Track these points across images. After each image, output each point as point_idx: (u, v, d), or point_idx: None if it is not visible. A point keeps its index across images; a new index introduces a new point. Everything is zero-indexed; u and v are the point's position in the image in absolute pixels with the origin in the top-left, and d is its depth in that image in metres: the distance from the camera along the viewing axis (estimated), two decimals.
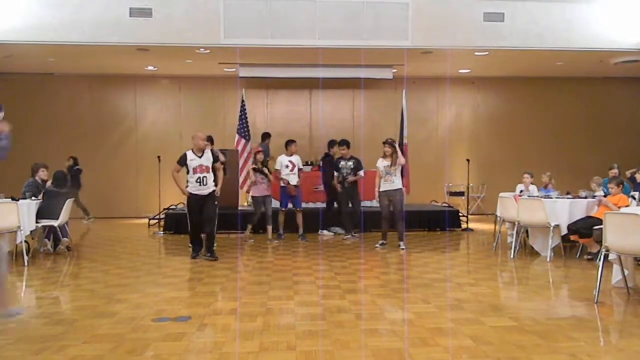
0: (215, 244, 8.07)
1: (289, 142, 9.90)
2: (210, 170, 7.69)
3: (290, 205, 9.78)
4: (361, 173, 9.72)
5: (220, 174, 7.91)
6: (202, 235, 7.89)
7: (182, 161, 7.66)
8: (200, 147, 7.67)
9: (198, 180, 7.60)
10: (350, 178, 9.62)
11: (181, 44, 10.10)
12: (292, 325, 4.54)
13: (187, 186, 7.76)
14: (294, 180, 9.65)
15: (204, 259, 7.71)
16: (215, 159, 7.79)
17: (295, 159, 9.73)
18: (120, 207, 13.51)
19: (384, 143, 8.76)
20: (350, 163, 9.70)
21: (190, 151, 7.70)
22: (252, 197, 9.60)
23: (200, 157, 7.64)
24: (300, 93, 13.97)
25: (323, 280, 6.38)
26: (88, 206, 12.56)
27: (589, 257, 7.56)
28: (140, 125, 13.88)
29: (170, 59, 11.67)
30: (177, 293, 5.90)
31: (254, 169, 9.49)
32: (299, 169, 9.74)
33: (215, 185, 7.78)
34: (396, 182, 8.57)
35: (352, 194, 9.76)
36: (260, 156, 9.54)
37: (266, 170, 9.50)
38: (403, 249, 8.50)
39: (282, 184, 9.65)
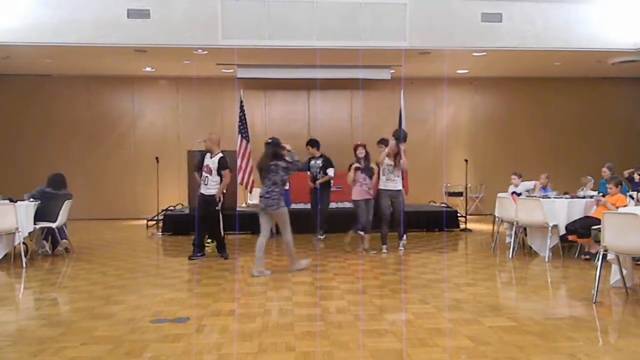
0: (209, 244, 8.59)
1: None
2: (214, 172, 7.85)
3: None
4: (330, 172, 9.54)
5: (226, 180, 7.95)
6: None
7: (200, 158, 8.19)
8: (207, 148, 7.98)
9: (202, 179, 7.96)
10: (320, 179, 9.52)
11: (179, 45, 10.09)
12: (291, 326, 4.54)
13: None
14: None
15: (220, 257, 7.94)
16: (222, 166, 7.88)
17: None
18: (119, 209, 13.49)
19: (379, 143, 8.72)
20: (319, 162, 9.61)
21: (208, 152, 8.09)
22: (353, 200, 8.48)
23: (210, 158, 7.95)
24: (298, 94, 13.97)
25: (322, 281, 6.38)
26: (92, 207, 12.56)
27: (587, 257, 7.57)
28: (138, 127, 13.86)
29: (168, 60, 11.66)
30: (175, 294, 5.89)
31: (357, 168, 8.38)
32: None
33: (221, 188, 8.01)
34: (398, 183, 8.43)
35: (321, 193, 9.65)
36: (360, 152, 8.40)
37: (374, 169, 8.42)
38: (401, 249, 8.47)
39: None
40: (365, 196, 8.37)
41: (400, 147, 8.37)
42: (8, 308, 5.45)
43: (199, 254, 7.99)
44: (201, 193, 7.92)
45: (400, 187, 8.46)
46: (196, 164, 8.26)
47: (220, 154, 7.95)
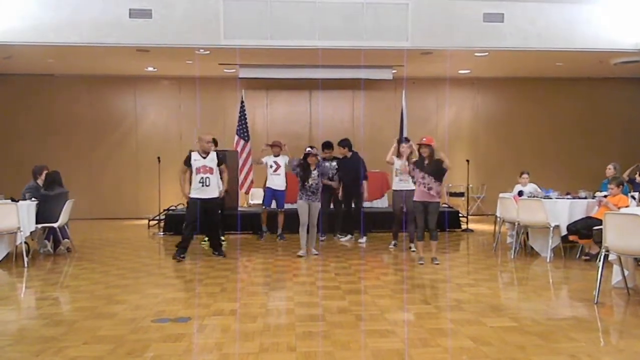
0: (224, 242, 8.62)
1: (273, 145, 9.88)
2: (214, 171, 7.74)
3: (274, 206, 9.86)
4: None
5: (225, 175, 8.00)
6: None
7: (187, 162, 7.79)
8: (205, 149, 7.77)
9: (201, 181, 7.65)
10: (326, 181, 9.53)
11: (181, 44, 10.08)
12: (292, 326, 4.54)
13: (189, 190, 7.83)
14: (278, 181, 9.70)
15: (214, 255, 7.96)
16: (220, 161, 7.87)
17: (281, 159, 9.76)
18: (121, 208, 13.50)
19: (405, 140, 8.64)
20: (334, 163, 9.64)
21: (196, 152, 7.82)
22: (413, 201, 7.68)
23: (204, 158, 7.73)
24: (300, 94, 13.97)
25: (323, 281, 6.38)
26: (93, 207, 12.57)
27: (587, 257, 7.56)
28: (140, 126, 13.87)
29: (170, 60, 11.67)
30: (177, 294, 5.91)
31: (414, 163, 7.61)
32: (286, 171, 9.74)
33: (221, 187, 7.93)
34: (411, 183, 8.19)
35: (336, 195, 9.72)
36: (425, 151, 7.42)
37: (445, 162, 7.35)
38: (413, 250, 8.27)
39: (267, 185, 9.81)
40: (424, 198, 7.39)
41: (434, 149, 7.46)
42: (10, 307, 5.46)
43: (183, 256, 7.75)
44: (202, 199, 7.62)
45: (413, 187, 8.13)
46: (185, 165, 7.84)
47: (213, 152, 7.85)
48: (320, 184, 8.08)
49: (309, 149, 8.18)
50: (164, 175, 12.07)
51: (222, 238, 9.20)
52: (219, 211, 8.40)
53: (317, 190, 7.98)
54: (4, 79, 12.99)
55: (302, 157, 8.08)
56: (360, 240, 9.49)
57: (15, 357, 3.91)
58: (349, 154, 9.67)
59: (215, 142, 9.28)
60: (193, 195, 7.69)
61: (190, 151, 8.14)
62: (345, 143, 9.75)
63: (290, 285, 6.19)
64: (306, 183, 7.93)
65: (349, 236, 9.82)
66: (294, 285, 6.19)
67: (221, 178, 7.93)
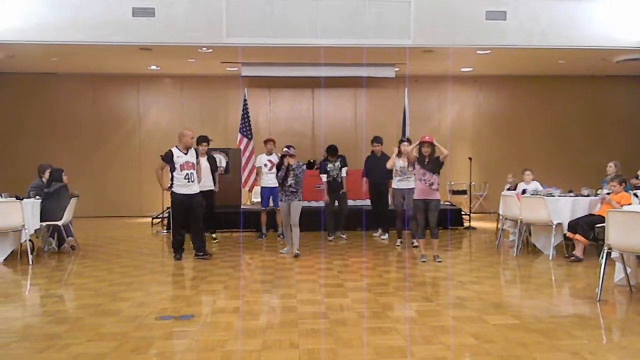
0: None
1: (266, 141, 9.88)
2: (195, 167, 7.65)
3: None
4: (343, 172, 9.67)
5: (199, 168, 7.85)
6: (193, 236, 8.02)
7: (168, 158, 7.57)
8: (188, 144, 7.64)
9: (186, 177, 7.51)
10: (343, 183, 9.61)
11: (184, 43, 10.11)
12: (295, 324, 4.56)
13: (171, 185, 7.65)
14: (274, 179, 9.66)
15: (198, 259, 7.66)
16: (198, 156, 7.82)
17: (274, 157, 9.67)
18: (124, 206, 13.55)
19: (405, 141, 8.68)
20: (338, 163, 9.63)
21: (176, 148, 7.61)
22: (414, 200, 7.61)
23: (185, 154, 7.58)
24: (302, 92, 13.98)
25: (326, 279, 6.40)
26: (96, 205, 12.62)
27: (572, 257, 7.50)
28: (143, 125, 13.91)
29: (173, 59, 11.69)
30: (180, 291, 5.93)
31: (418, 159, 7.46)
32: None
33: (198, 181, 7.80)
34: (412, 182, 8.27)
35: (342, 194, 9.76)
36: (426, 150, 7.38)
37: (443, 153, 7.34)
38: (416, 246, 8.35)
39: (262, 185, 9.76)
40: (425, 195, 7.37)
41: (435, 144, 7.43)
42: (15, 305, 5.49)
43: (182, 255, 7.74)
44: (187, 194, 7.51)
45: (413, 186, 8.15)
46: (165, 161, 7.63)
47: (192, 147, 7.75)
48: (300, 184, 7.98)
49: (285, 149, 8.13)
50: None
51: (214, 236, 9.38)
52: (205, 208, 8.43)
53: (296, 191, 7.95)
54: (8, 78, 13.04)
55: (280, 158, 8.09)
56: (382, 237, 9.66)
57: (19, 354, 3.93)
58: (380, 153, 9.62)
59: (207, 140, 9.27)
60: (180, 191, 7.55)
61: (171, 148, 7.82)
62: (380, 140, 9.69)
63: (293, 283, 6.21)
64: (285, 184, 7.94)
65: (380, 231, 9.92)
66: (297, 283, 6.21)
67: (196, 173, 7.72)
